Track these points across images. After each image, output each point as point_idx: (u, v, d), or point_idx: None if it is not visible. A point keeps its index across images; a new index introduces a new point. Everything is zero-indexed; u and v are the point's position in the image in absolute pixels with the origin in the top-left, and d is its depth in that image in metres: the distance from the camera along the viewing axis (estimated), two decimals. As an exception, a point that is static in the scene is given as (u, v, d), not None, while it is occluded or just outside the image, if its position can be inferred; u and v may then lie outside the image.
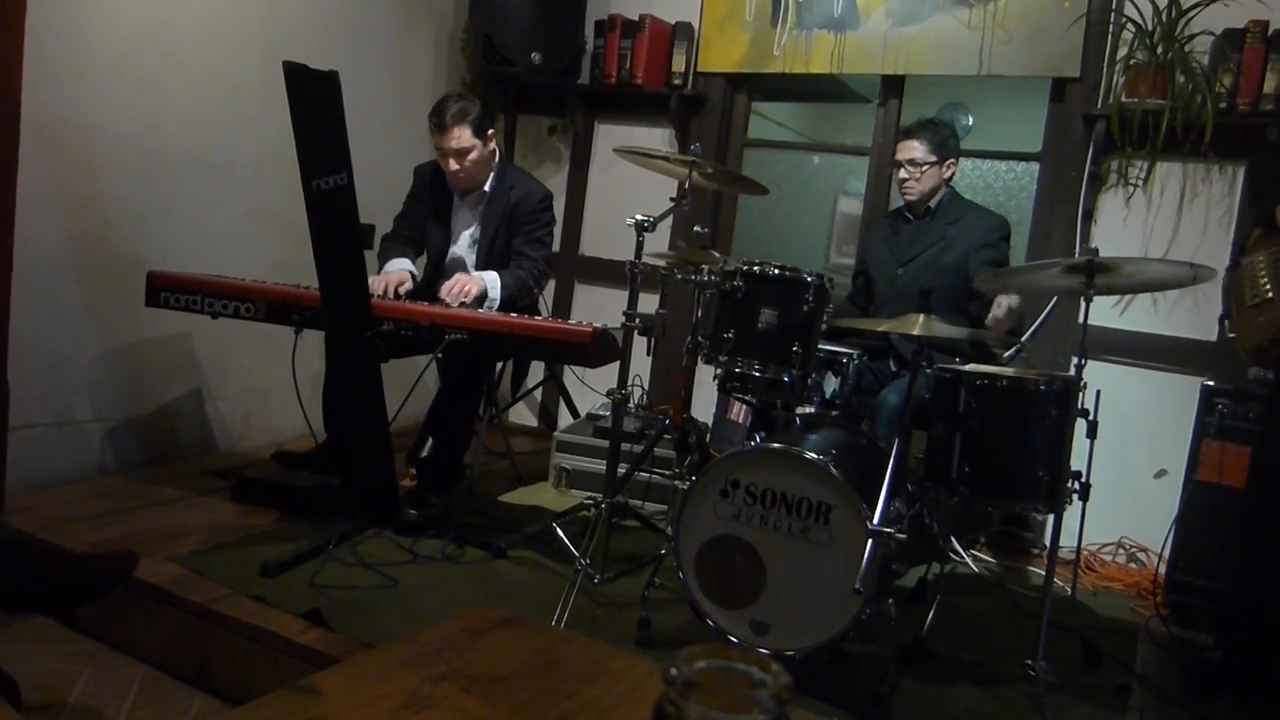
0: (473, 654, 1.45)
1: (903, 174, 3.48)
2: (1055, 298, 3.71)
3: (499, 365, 3.90)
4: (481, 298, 3.33)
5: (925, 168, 3.46)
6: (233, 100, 3.77)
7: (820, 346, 2.88)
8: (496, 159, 3.59)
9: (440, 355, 3.02)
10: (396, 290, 3.36)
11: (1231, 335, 2.70)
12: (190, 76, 3.60)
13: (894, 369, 3.44)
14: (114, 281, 3.42)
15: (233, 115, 3.78)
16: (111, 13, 3.30)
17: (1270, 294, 2.55)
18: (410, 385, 3.09)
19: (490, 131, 3.52)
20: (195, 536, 2.94)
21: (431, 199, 3.65)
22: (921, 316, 2.52)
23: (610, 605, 2.77)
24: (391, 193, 4.39)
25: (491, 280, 3.41)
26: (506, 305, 3.40)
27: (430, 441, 3.39)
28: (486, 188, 3.59)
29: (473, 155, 3.44)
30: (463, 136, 3.39)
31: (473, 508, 3.49)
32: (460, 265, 3.64)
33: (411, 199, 3.73)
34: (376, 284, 3.35)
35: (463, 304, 3.23)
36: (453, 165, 3.44)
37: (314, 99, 2.76)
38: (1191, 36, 3.52)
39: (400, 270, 3.48)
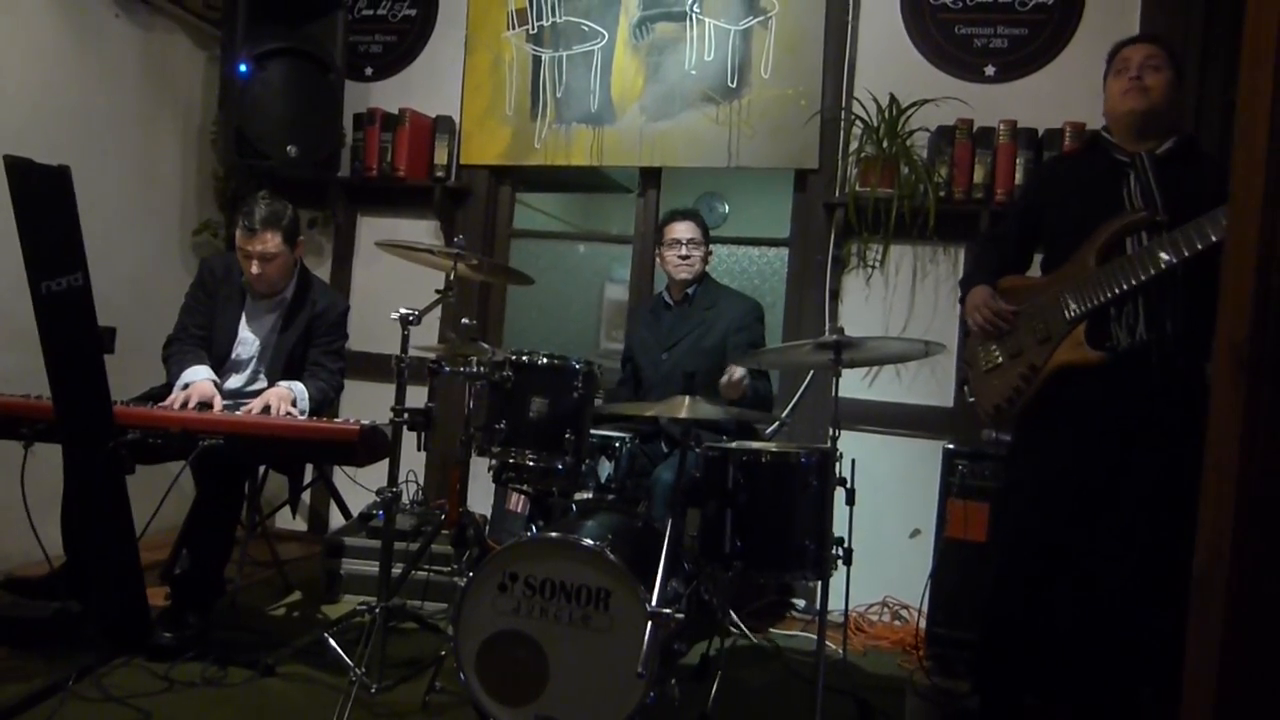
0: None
1: (683, 251, 3.64)
2: (811, 373, 3.95)
3: (261, 468, 3.70)
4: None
5: (701, 248, 3.67)
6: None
7: (592, 432, 2.91)
8: (298, 265, 3.49)
9: (193, 462, 2.84)
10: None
11: (971, 399, 2.93)
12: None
13: (665, 450, 3.53)
14: None
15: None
16: None
17: (1000, 360, 2.81)
18: (162, 494, 2.87)
19: (300, 239, 3.42)
20: (-97, 688, 2.59)
21: (223, 296, 3.47)
22: (687, 398, 2.62)
23: (390, 715, 2.65)
24: (138, 291, 4.16)
25: (300, 392, 3.30)
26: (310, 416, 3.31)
27: (186, 555, 3.16)
28: (288, 293, 3.46)
29: (279, 261, 3.32)
30: (273, 242, 3.27)
31: (236, 624, 3.26)
32: (242, 368, 3.48)
33: (199, 293, 3.50)
34: (183, 398, 3.13)
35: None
36: (255, 268, 3.30)
37: (41, 195, 2.57)
38: (911, 132, 3.90)
39: (204, 381, 3.25)
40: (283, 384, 3.31)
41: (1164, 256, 2.47)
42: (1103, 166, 2.71)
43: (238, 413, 3.13)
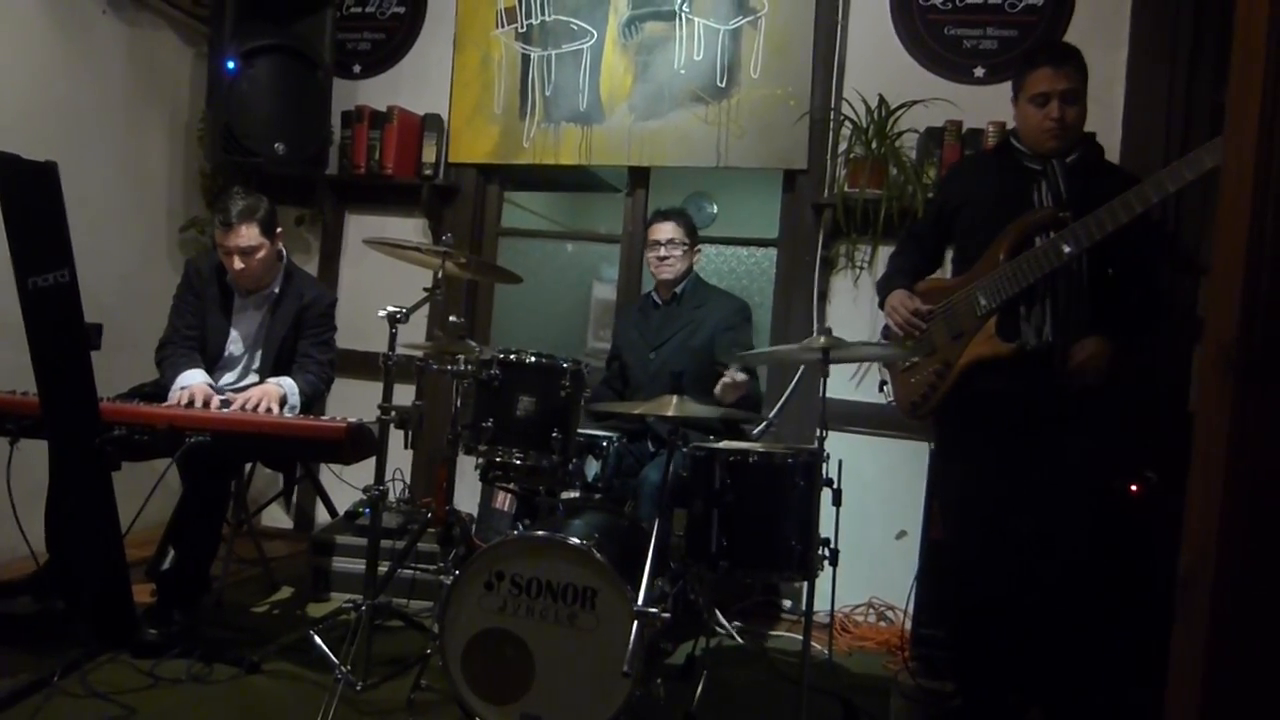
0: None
1: (662, 252, 3.64)
2: (799, 370, 3.95)
3: (247, 465, 3.69)
4: (282, 405, 3.22)
5: (682, 248, 3.65)
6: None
7: (580, 431, 2.91)
8: (284, 259, 3.47)
9: (180, 459, 2.83)
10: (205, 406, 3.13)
11: (890, 400, 3.04)
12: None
13: (652, 449, 3.53)
14: None
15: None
16: None
17: (916, 357, 2.90)
18: (148, 491, 2.86)
19: (278, 230, 3.40)
20: (-115, 684, 2.57)
21: (210, 295, 3.46)
22: (675, 398, 2.62)
23: (375, 713, 2.64)
24: (125, 287, 4.14)
25: (290, 387, 3.30)
26: (304, 411, 3.32)
27: (172, 553, 3.15)
28: (275, 288, 3.46)
29: (260, 254, 3.31)
30: (250, 235, 3.26)
31: (222, 621, 3.25)
32: (235, 365, 3.48)
33: (187, 294, 3.48)
34: (180, 399, 3.12)
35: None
36: (237, 264, 3.29)
37: (28, 191, 2.56)
38: (900, 133, 3.90)
39: (203, 384, 3.23)
40: (272, 381, 3.30)
41: (1066, 249, 2.56)
42: (1014, 170, 2.78)
43: (223, 410, 3.12)
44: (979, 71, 3.94)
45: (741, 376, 3.29)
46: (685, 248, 3.67)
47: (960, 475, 2.86)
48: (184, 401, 3.11)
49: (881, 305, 3.01)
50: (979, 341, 2.71)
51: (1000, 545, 2.71)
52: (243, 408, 3.12)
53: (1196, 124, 3.58)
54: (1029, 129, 2.74)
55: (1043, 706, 2.83)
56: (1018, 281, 2.63)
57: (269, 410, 3.14)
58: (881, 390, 3.08)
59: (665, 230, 3.67)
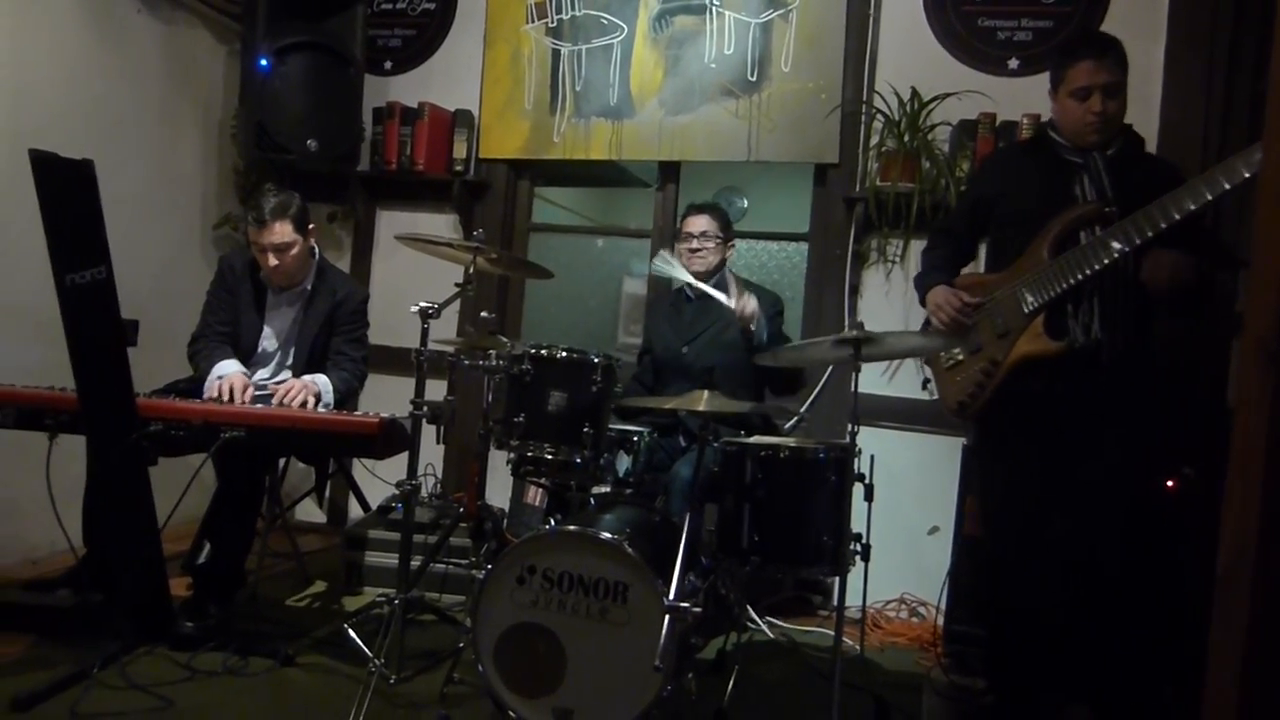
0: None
1: (694, 245, 3.63)
2: (829, 368, 3.93)
3: (281, 460, 3.72)
4: (317, 402, 3.25)
5: (714, 242, 3.63)
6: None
7: (611, 426, 2.91)
8: (316, 256, 3.51)
9: (215, 454, 2.86)
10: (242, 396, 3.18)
11: (934, 398, 2.98)
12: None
13: (684, 444, 3.52)
14: None
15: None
16: None
17: (960, 356, 2.84)
18: (184, 486, 2.89)
19: (311, 227, 3.43)
20: (-70, 675, 2.62)
21: (244, 291, 3.49)
22: (706, 392, 2.61)
23: (408, 705, 2.66)
24: (159, 285, 4.19)
25: (324, 384, 3.34)
26: (338, 407, 3.35)
27: (207, 547, 3.19)
28: (308, 285, 3.49)
29: (293, 251, 3.34)
30: (284, 232, 3.29)
31: (257, 614, 3.29)
32: (268, 361, 3.52)
33: (220, 290, 3.53)
34: (220, 388, 3.17)
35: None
36: (272, 261, 3.32)
37: (65, 189, 2.59)
38: (933, 126, 3.87)
39: (239, 373, 3.28)
40: (307, 377, 3.34)
41: (1116, 245, 2.51)
42: (1053, 163, 2.73)
43: (259, 405, 3.15)
44: (1013, 63, 3.90)
45: (751, 306, 3.30)
46: (718, 241, 3.66)
47: (1003, 474, 2.81)
48: (223, 392, 3.15)
49: (922, 303, 2.98)
50: (1027, 339, 2.66)
51: (1040, 543, 2.68)
52: (281, 401, 3.16)
53: (1235, 116, 3.52)
54: (1070, 122, 2.70)
55: (1088, 704, 2.79)
56: (1065, 279, 2.58)
57: (304, 404, 3.17)
58: (925, 388, 3.04)
59: (699, 223, 3.66)
